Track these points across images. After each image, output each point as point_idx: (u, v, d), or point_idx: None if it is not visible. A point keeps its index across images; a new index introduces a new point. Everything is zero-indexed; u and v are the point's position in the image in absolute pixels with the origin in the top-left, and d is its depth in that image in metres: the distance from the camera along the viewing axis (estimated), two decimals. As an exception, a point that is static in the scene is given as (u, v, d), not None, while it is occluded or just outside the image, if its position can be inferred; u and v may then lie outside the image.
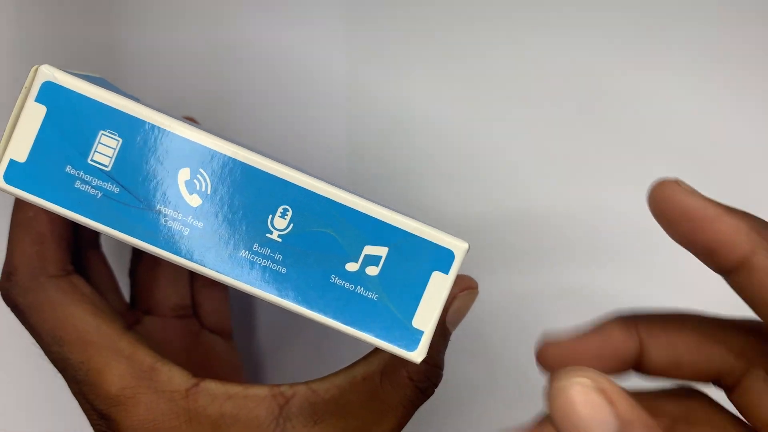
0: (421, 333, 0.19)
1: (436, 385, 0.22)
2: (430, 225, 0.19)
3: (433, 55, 0.31)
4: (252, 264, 0.19)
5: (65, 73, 0.18)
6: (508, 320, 0.31)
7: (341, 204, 0.19)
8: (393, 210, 0.19)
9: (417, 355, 0.19)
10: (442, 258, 0.19)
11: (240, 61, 0.31)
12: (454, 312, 0.22)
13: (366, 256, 0.19)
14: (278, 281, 0.19)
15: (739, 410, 0.22)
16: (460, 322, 0.23)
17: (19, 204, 0.23)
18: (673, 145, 0.31)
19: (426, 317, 0.19)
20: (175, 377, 0.22)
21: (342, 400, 0.22)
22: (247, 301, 0.32)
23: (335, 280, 0.19)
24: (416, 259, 0.19)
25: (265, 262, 0.19)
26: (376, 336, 0.19)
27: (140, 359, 0.22)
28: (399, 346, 0.19)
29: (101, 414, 0.22)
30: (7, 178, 0.18)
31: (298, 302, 0.19)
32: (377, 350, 0.23)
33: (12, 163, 0.18)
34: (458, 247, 0.19)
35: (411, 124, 0.31)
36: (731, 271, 0.19)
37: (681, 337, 0.21)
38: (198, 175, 0.19)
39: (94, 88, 0.18)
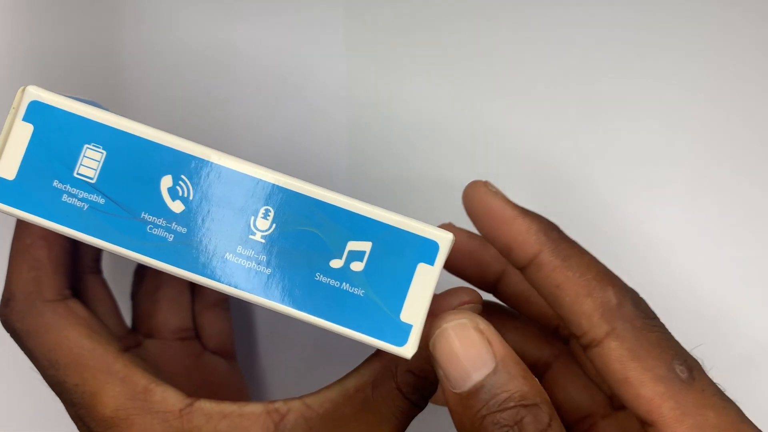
0: (410, 327, 0.19)
1: (427, 398, 0.22)
2: (414, 218, 0.19)
3: (433, 55, 0.31)
4: (236, 266, 0.19)
5: (51, 93, 0.19)
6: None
7: (322, 201, 0.19)
8: (374, 205, 0.19)
9: (407, 349, 0.19)
10: (427, 250, 0.19)
11: (239, 62, 0.31)
12: None
13: (350, 252, 0.19)
14: (263, 282, 0.19)
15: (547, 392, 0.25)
16: None
17: (18, 232, 0.24)
18: (672, 146, 0.30)
19: (414, 311, 0.19)
20: (169, 398, 0.22)
21: (336, 414, 0.22)
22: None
23: (320, 278, 0.19)
24: (401, 252, 0.19)
25: (249, 264, 0.19)
26: (365, 332, 0.19)
27: (135, 381, 0.22)
28: (388, 341, 0.19)
29: None
30: None
31: (284, 302, 0.19)
32: (369, 360, 0.22)
33: (1, 181, 0.19)
34: (443, 238, 0.19)
35: (411, 123, 0.31)
36: (525, 267, 0.21)
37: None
38: (180, 182, 0.19)
39: (78, 105, 0.19)
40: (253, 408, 0.22)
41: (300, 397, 0.22)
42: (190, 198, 0.19)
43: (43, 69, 0.31)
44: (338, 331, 0.19)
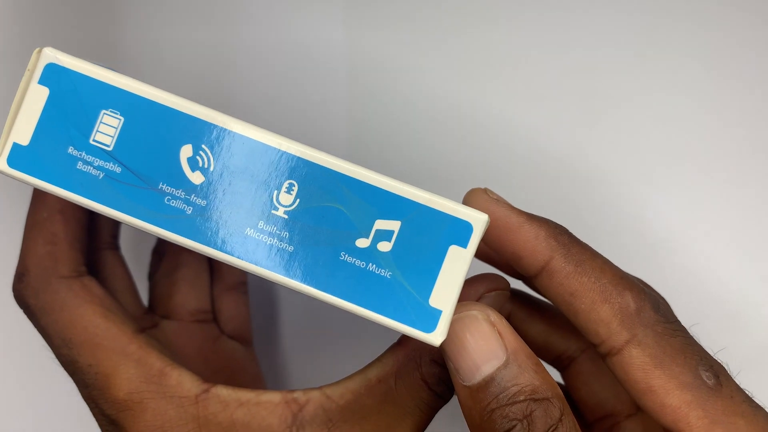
0: (440, 312, 0.18)
1: (452, 390, 0.21)
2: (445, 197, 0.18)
3: (437, 45, 0.30)
4: (257, 243, 0.18)
5: (68, 55, 0.18)
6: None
7: (349, 177, 0.18)
8: (405, 182, 0.18)
9: (436, 336, 0.18)
10: (459, 231, 0.18)
11: (239, 46, 0.30)
12: None
13: (377, 231, 0.18)
14: (285, 260, 0.18)
15: (568, 387, 0.24)
16: None
17: (34, 206, 0.23)
18: (676, 144, 0.30)
19: (444, 295, 0.18)
20: (185, 382, 0.21)
21: (357, 405, 0.21)
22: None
23: (345, 257, 0.18)
24: (431, 233, 0.18)
25: (271, 241, 0.18)
26: (391, 317, 0.18)
27: (150, 363, 0.21)
28: (416, 327, 0.18)
29: (110, 419, 0.21)
30: (11, 161, 0.18)
31: (307, 282, 0.18)
32: (392, 349, 0.21)
33: (15, 146, 0.18)
34: (477, 219, 0.18)
35: (414, 113, 0.30)
36: (536, 275, 0.20)
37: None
38: (200, 152, 0.18)
39: (97, 68, 0.18)
40: (271, 396, 0.21)
41: (320, 387, 0.21)
42: (211, 169, 0.18)
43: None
44: (363, 314, 0.18)
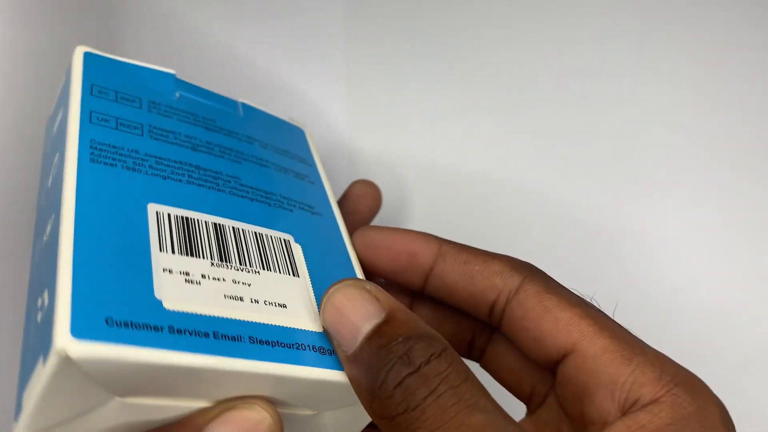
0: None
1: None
2: None
3: (432, 66, 0.31)
4: None
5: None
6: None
7: None
8: None
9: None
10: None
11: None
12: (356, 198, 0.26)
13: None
14: None
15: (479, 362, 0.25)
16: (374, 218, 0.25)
17: None
18: (674, 148, 0.28)
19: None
20: None
21: None
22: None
23: None
24: None
25: None
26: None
27: None
28: None
29: None
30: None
31: None
32: None
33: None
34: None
35: (411, 130, 0.31)
36: (430, 269, 0.23)
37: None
38: None
39: None
40: None
41: None
42: None
43: (43, 67, 0.30)
44: None
